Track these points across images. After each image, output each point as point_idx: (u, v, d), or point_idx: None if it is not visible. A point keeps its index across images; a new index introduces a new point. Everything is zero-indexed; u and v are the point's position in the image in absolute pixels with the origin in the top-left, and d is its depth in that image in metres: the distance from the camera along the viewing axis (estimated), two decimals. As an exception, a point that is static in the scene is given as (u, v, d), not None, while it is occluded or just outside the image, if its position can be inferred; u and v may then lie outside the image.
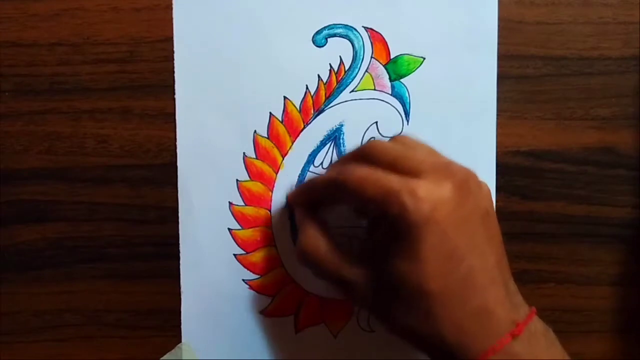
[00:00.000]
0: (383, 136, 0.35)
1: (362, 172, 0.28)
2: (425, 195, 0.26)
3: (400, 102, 0.35)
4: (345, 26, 0.35)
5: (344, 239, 0.34)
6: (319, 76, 0.35)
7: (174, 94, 0.35)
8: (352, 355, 0.36)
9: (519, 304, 0.28)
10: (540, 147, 0.36)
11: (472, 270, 0.27)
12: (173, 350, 0.36)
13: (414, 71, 0.35)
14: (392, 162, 0.28)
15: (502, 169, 0.36)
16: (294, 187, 0.35)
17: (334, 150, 0.35)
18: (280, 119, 0.35)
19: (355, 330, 0.36)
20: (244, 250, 0.35)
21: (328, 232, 0.31)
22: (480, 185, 0.29)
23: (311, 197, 0.33)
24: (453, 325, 0.26)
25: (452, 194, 0.27)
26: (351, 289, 0.29)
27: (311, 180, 0.34)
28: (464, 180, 0.28)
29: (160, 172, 0.35)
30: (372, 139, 0.35)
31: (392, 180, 0.27)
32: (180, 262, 0.35)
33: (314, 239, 0.31)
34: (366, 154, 0.30)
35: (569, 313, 0.37)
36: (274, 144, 0.35)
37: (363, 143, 0.35)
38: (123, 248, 0.35)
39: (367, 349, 0.36)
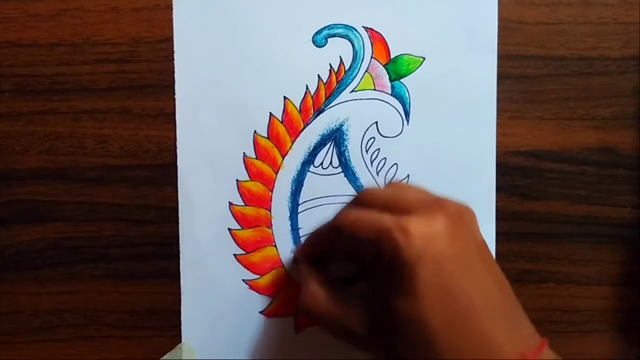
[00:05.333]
0: (383, 136, 0.35)
1: (356, 214, 0.29)
2: (417, 230, 0.26)
3: (400, 102, 0.35)
4: (345, 26, 0.35)
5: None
6: (319, 76, 0.35)
7: (174, 94, 0.35)
8: (352, 355, 0.36)
9: (527, 334, 0.27)
10: (540, 147, 0.36)
11: (472, 302, 0.26)
12: (173, 350, 0.36)
13: (414, 71, 0.35)
14: (384, 205, 0.28)
15: (502, 169, 0.36)
16: (289, 238, 0.36)
17: (334, 150, 0.35)
18: (280, 119, 0.35)
19: (355, 330, 0.36)
20: (244, 250, 0.35)
21: (329, 286, 0.31)
22: (474, 216, 0.28)
23: (314, 250, 0.33)
24: None
25: (444, 227, 0.26)
26: (354, 336, 0.29)
27: (312, 233, 0.34)
28: (457, 212, 0.27)
29: (160, 172, 0.35)
30: (365, 188, 0.34)
31: (384, 219, 0.27)
32: (180, 262, 0.35)
33: (315, 293, 0.31)
34: (360, 201, 0.30)
35: (569, 313, 0.37)
36: (274, 144, 0.35)
37: (363, 143, 0.35)
38: (123, 248, 0.35)
39: (367, 349, 0.36)
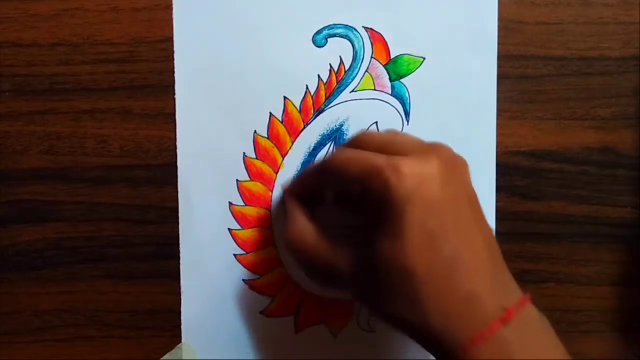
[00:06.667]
0: (383, 136, 0.35)
1: (348, 153, 0.28)
2: (409, 170, 0.26)
3: (400, 102, 0.35)
4: (345, 26, 0.35)
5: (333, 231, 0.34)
6: (319, 76, 0.35)
7: (174, 94, 0.35)
8: (352, 355, 0.36)
9: (510, 289, 0.26)
10: (540, 147, 0.36)
11: (457, 252, 0.25)
12: (173, 350, 0.36)
13: (414, 71, 0.35)
14: (379, 147, 0.28)
15: (502, 169, 0.36)
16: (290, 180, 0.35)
17: (334, 150, 0.35)
18: (280, 119, 0.35)
19: (355, 330, 0.36)
20: (244, 250, 0.35)
21: (316, 223, 0.31)
22: (467, 167, 0.28)
23: (304, 186, 0.33)
24: (439, 310, 0.25)
25: (438, 170, 0.26)
26: (338, 276, 0.29)
27: (304, 170, 0.34)
28: (451, 158, 0.27)
29: (160, 172, 0.35)
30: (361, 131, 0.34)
31: (377, 158, 0.27)
32: (180, 262, 0.35)
33: (302, 227, 0.30)
34: (354, 142, 0.30)
35: (569, 313, 0.37)
36: (274, 144, 0.35)
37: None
38: (123, 248, 0.35)
39: (367, 349, 0.36)
